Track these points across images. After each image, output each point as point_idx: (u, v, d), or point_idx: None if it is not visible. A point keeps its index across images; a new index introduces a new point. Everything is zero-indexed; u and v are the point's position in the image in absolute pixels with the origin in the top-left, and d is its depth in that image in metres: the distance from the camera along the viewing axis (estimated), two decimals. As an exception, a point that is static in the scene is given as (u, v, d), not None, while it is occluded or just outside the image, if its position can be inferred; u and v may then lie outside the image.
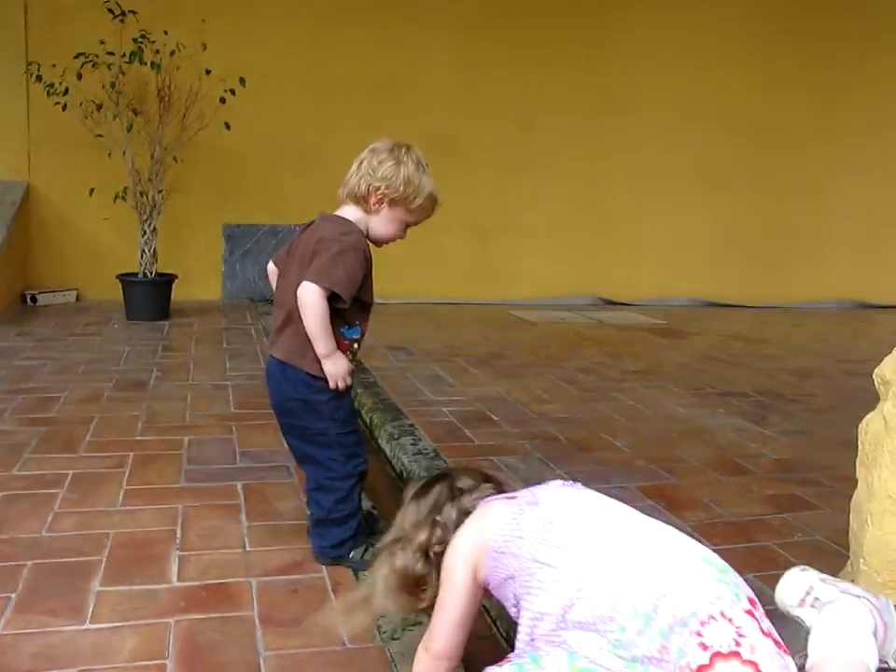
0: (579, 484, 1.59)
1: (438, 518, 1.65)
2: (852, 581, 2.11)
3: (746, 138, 7.86)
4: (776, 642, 1.20)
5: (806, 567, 1.40)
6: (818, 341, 6.46)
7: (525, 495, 1.57)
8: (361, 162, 2.30)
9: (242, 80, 5.70)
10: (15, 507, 2.71)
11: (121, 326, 5.77)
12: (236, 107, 5.85)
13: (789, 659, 1.19)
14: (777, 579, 2.45)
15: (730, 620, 1.21)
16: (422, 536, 1.63)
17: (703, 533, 2.72)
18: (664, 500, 2.98)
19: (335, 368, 2.26)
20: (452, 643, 1.59)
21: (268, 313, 6.47)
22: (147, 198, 5.90)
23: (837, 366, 5.47)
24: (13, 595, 2.16)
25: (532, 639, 1.39)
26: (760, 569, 2.51)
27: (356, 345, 2.37)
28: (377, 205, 2.29)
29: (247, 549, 2.50)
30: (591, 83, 7.51)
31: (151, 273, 5.96)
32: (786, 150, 7.96)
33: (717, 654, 1.16)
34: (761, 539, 2.73)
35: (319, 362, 2.26)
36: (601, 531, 1.41)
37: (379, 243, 2.38)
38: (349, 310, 2.26)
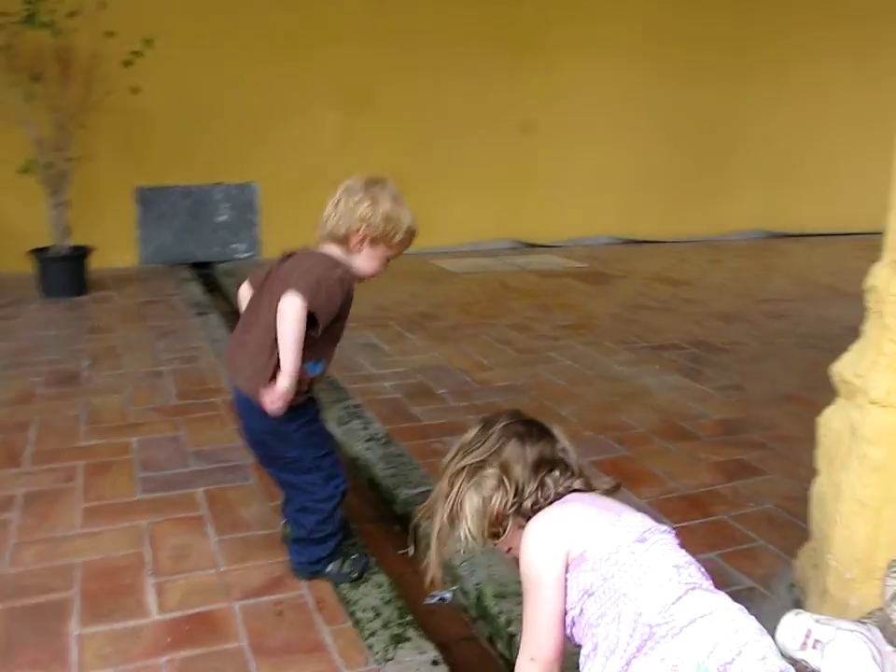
0: (673, 534, 1.59)
1: (549, 479, 1.65)
2: (814, 565, 2.23)
3: (658, 75, 7.88)
4: None
5: (800, 610, 1.47)
6: (735, 278, 6.64)
7: (631, 521, 1.56)
8: (337, 203, 2.26)
9: (148, 42, 5.42)
10: (-30, 538, 2.63)
11: (39, 305, 5.54)
12: (142, 67, 5.57)
13: None
14: (737, 556, 2.59)
15: None
16: (530, 485, 1.64)
17: (661, 510, 2.82)
18: (618, 475, 3.06)
19: (286, 389, 2.16)
20: (559, 641, 1.56)
21: (189, 279, 6.33)
22: (55, 169, 5.62)
23: (757, 307, 5.64)
24: (-10, 647, 2.12)
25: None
26: (720, 547, 2.64)
27: (314, 380, 2.33)
28: (359, 245, 2.26)
29: (222, 568, 2.48)
30: (505, 21, 7.38)
31: (66, 248, 5.71)
32: (697, 85, 8.01)
33: None
34: (716, 513, 2.85)
35: None
36: (685, 595, 1.43)
37: (361, 279, 2.34)
38: (319, 343, 2.22)
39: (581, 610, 1.48)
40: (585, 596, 1.47)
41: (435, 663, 2.12)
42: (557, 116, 7.72)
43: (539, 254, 7.68)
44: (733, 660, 1.31)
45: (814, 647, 1.38)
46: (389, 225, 2.24)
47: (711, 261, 7.33)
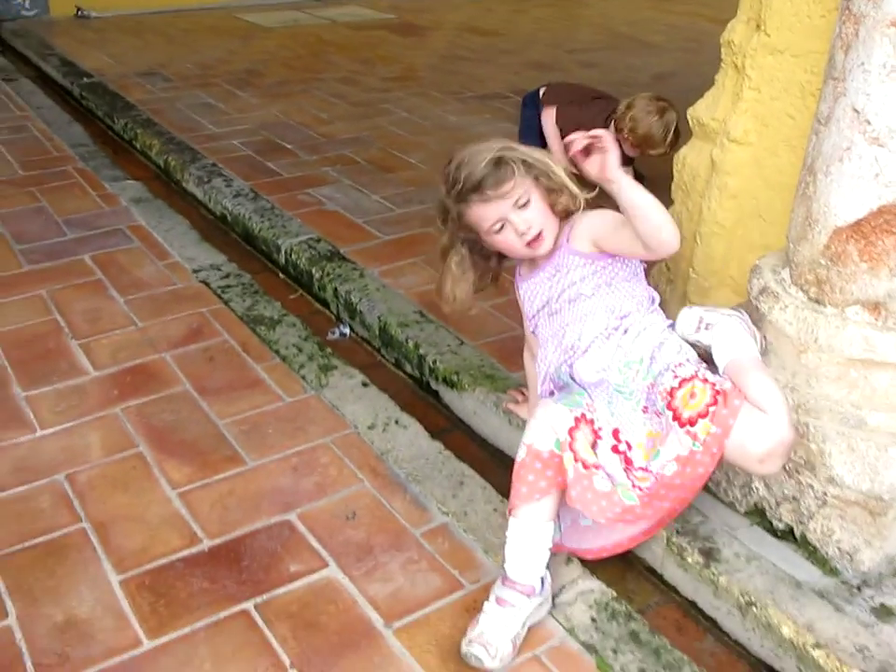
0: None
1: None
2: (669, 280, 2.66)
3: None
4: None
5: (692, 305, 1.87)
6: (542, 28, 6.80)
7: None
8: None
9: None
10: None
11: None
12: None
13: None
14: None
15: (692, 362, 1.73)
16: None
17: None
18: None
19: None
20: None
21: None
22: None
23: (568, 57, 5.88)
24: (-59, 414, 2.19)
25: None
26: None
27: None
28: None
29: (140, 325, 2.61)
30: None
31: None
32: None
33: (683, 380, 1.66)
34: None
35: None
36: (640, 310, 1.84)
37: None
38: None
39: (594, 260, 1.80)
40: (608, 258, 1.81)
41: (365, 384, 2.41)
42: None
43: (342, 5, 7.46)
44: (659, 345, 1.70)
45: (706, 328, 1.78)
46: None
47: (516, 11, 7.43)
